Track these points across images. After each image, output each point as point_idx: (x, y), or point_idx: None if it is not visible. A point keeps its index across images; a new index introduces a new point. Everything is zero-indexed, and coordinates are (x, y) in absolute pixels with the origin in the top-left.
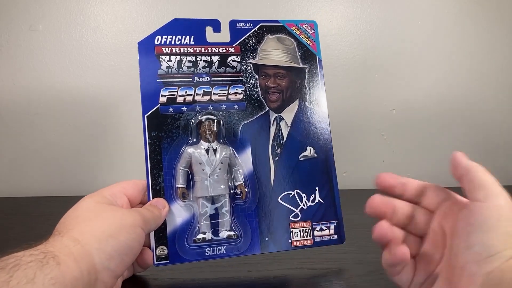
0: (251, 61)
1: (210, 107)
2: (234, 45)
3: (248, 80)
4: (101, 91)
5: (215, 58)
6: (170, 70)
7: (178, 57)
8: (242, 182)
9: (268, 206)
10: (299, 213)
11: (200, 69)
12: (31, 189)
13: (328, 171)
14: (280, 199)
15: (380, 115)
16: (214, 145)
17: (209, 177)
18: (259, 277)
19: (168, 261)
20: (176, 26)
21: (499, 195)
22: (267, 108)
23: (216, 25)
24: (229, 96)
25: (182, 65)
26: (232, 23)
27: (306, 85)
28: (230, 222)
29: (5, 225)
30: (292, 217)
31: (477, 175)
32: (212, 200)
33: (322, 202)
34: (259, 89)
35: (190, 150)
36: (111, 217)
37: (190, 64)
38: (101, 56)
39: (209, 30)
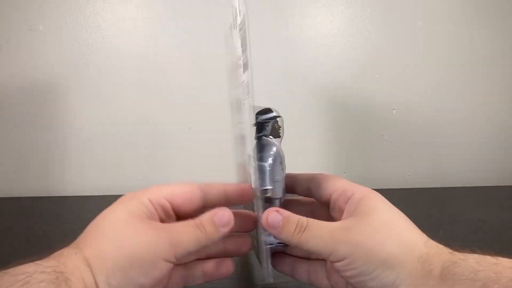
0: None
1: None
2: None
3: None
4: (101, 91)
5: None
6: None
7: None
8: None
9: None
10: None
11: None
12: (31, 189)
13: None
14: None
15: (380, 115)
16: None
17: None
18: (259, 277)
19: None
20: None
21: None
22: None
23: None
24: None
25: None
26: None
27: None
28: None
29: (5, 225)
30: None
31: None
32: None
33: None
34: None
35: (277, 148)
36: (130, 245)
37: None
38: (101, 56)
39: None
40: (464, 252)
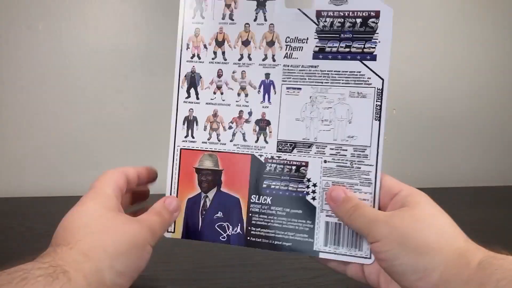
0: None
1: None
2: None
3: None
4: (101, 91)
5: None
6: None
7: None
8: None
9: None
10: None
11: None
12: (31, 189)
13: None
14: None
15: None
16: None
17: None
18: (259, 277)
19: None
20: None
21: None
22: None
23: None
24: None
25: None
26: None
27: None
28: None
29: (5, 225)
30: None
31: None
32: None
33: None
34: None
35: None
36: (123, 233)
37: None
38: (101, 56)
39: None
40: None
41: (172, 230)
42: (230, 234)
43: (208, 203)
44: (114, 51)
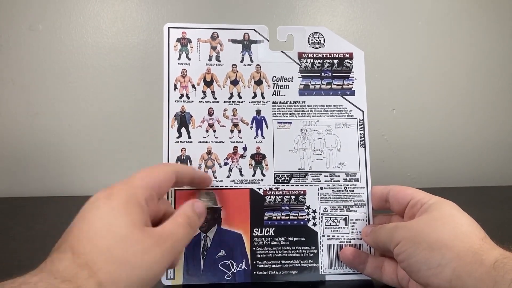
0: None
1: None
2: None
3: None
4: (101, 91)
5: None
6: None
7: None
8: None
9: None
10: None
11: None
12: (31, 189)
13: None
14: None
15: (380, 115)
16: None
17: None
18: None
19: None
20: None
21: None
22: None
23: None
24: None
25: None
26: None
27: None
28: None
29: (5, 225)
30: None
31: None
32: None
33: None
34: None
35: None
36: (142, 266)
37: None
38: (101, 56)
39: None
40: None
41: (172, 277)
42: (235, 271)
43: (209, 243)
44: (114, 51)
